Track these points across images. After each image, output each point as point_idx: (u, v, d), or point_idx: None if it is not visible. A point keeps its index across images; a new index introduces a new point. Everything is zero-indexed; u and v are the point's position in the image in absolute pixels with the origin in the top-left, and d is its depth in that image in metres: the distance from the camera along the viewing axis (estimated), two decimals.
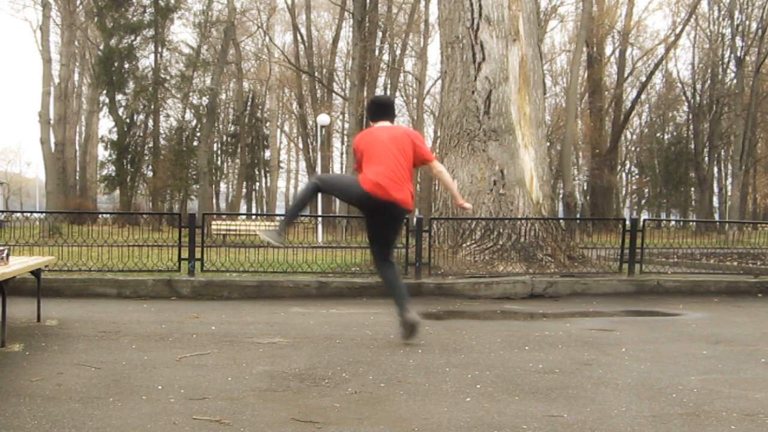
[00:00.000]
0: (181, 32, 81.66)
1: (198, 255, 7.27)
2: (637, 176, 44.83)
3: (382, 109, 4.85)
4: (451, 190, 5.06)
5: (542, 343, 4.57)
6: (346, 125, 31.80)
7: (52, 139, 28.16)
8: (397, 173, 4.48)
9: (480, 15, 8.91)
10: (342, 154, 38.88)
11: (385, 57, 34.53)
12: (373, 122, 4.81)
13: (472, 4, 8.94)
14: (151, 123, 32.82)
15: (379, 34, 32.44)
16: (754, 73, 30.38)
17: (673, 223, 28.70)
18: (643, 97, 37.51)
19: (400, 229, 4.97)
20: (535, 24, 9.83)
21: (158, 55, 31.93)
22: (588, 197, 36.82)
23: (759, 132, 37.26)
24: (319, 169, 29.66)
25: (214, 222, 18.49)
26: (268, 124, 41.25)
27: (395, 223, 4.72)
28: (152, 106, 31.73)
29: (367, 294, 6.96)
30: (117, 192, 32.86)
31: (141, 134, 32.82)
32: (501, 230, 8.60)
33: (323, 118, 24.92)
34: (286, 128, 46.46)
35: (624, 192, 45.27)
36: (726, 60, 33.94)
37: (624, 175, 44.53)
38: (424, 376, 3.59)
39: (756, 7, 30.93)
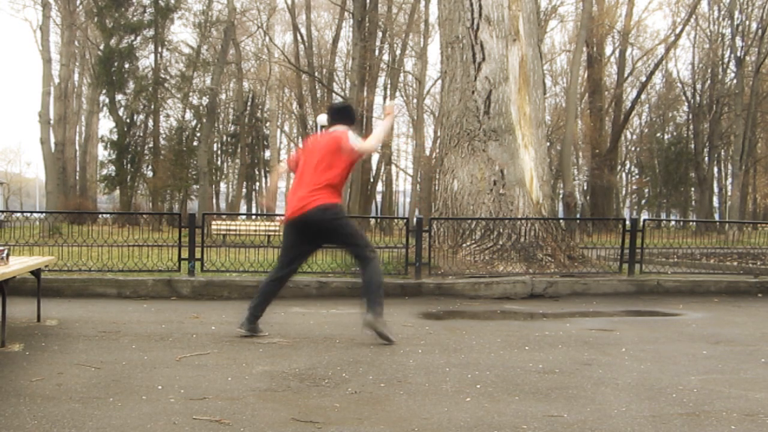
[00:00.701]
0: (181, 32, 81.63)
1: (198, 255, 7.27)
2: (637, 176, 44.83)
3: (332, 115, 4.83)
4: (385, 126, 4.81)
5: (542, 343, 4.57)
6: None
7: (52, 139, 28.13)
8: (301, 186, 4.54)
9: (480, 15, 8.91)
10: None
11: (385, 57, 34.54)
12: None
13: (472, 4, 8.94)
14: (151, 123, 32.82)
15: (379, 34, 32.43)
16: (754, 73, 30.38)
17: (673, 223, 28.70)
18: (643, 97, 37.51)
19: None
20: (535, 24, 9.83)
21: (158, 55, 31.93)
22: (588, 197, 36.81)
23: (759, 132, 37.27)
24: None
25: (214, 222, 18.50)
26: (268, 124, 41.20)
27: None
28: (152, 106, 31.72)
29: None
30: (117, 192, 32.85)
31: (141, 134, 32.82)
32: (501, 230, 8.60)
33: (323, 118, 24.87)
34: (286, 128, 46.46)
35: (624, 192, 45.27)
36: (726, 60, 33.95)
37: (624, 175, 44.54)
38: (424, 376, 3.59)
39: (756, 7, 30.94)
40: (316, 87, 35.58)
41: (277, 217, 24.92)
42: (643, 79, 35.84)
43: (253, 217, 27.25)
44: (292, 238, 4.63)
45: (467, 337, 4.75)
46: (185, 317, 5.44)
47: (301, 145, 5.45)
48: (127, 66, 30.68)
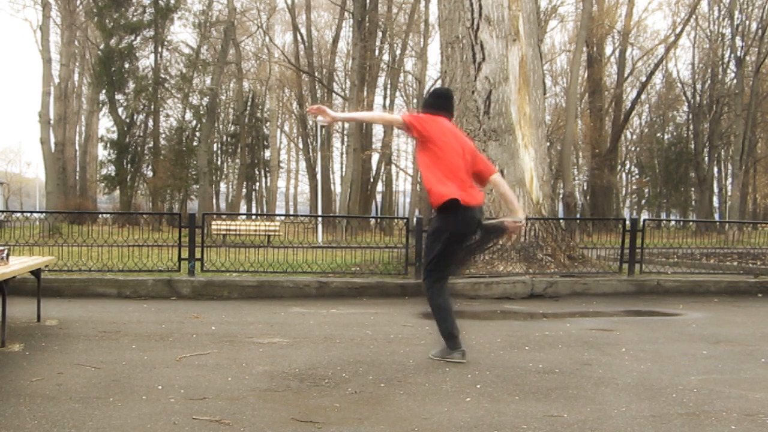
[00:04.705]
0: (181, 32, 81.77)
1: (198, 255, 7.27)
2: (637, 176, 44.79)
3: (443, 102, 4.20)
4: (511, 203, 4.27)
5: (542, 343, 4.57)
6: (346, 125, 31.78)
7: (52, 139, 28.12)
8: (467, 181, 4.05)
9: (480, 15, 8.91)
10: (342, 154, 38.90)
11: (385, 57, 34.52)
12: (433, 114, 4.09)
13: (472, 4, 8.94)
14: (151, 123, 32.80)
15: (379, 34, 32.41)
16: (754, 73, 30.38)
17: (673, 223, 28.69)
18: (643, 97, 37.50)
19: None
20: (535, 24, 9.82)
21: (158, 55, 31.91)
22: (588, 197, 36.80)
23: (759, 132, 37.24)
24: (319, 170, 29.60)
25: (214, 222, 18.49)
26: (268, 124, 41.24)
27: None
28: (152, 106, 31.70)
29: (367, 294, 6.96)
30: (117, 192, 32.82)
31: (141, 134, 32.80)
32: None
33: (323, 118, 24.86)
34: (286, 128, 46.49)
35: (624, 192, 45.24)
36: (726, 60, 33.94)
37: (624, 175, 44.50)
38: (424, 376, 3.59)
39: (756, 7, 30.93)
40: (316, 87, 35.58)
41: (277, 217, 24.91)
42: (643, 79, 35.85)
43: (253, 217, 27.25)
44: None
45: (467, 337, 4.74)
46: (185, 317, 5.44)
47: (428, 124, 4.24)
48: (127, 66, 30.67)
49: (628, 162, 44.48)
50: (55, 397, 3.04)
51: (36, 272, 4.91)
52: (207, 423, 2.72)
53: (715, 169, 39.37)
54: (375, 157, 34.81)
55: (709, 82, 35.77)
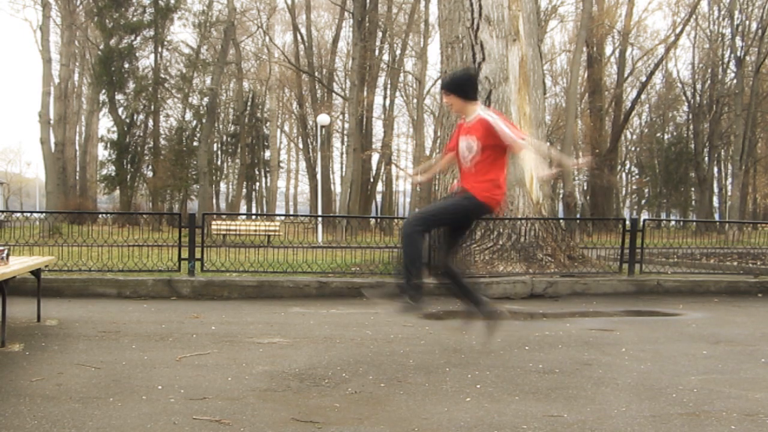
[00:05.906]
0: (181, 32, 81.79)
1: (198, 255, 7.27)
2: (637, 176, 44.80)
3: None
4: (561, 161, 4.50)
5: (542, 343, 4.57)
6: (346, 125, 31.78)
7: (52, 139, 28.11)
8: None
9: (480, 15, 8.91)
10: (342, 154, 38.91)
11: (385, 57, 34.53)
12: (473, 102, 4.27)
13: (472, 4, 8.94)
14: (151, 123, 32.82)
15: (379, 34, 32.42)
16: (754, 73, 30.38)
17: (673, 223, 28.68)
18: (643, 97, 37.52)
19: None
20: (535, 24, 9.83)
21: (158, 55, 31.93)
22: (588, 197, 36.81)
23: (759, 132, 37.26)
24: (319, 170, 29.60)
25: (214, 222, 18.48)
26: (268, 124, 41.24)
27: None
28: (152, 106, 31.72)
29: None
30: (117, 192, 32.83)
31: (141, 134, 32.81)
32: (501, 230, 8.60)
33: (323, 118, 24.91)
34: (286, 128, 46.50)
35: (624, 192, 45.24)
36: (726, 60, 33.94)
37: (624, 175, 44.52)
38: (424, 376, 3.59)
39: (756, 7, 30.94)
40: (316, 87, 35.59)
41: (277, 218, 24.91)
42: (643, 79, 35.86)
43: (253, 217, 27.24)
44: None
45: (467, 337, 4.75)
46: (185, 317, 5.44)
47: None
48: (127, 66, 30.69)
49: (628, 162, 44.51)
50: (55, 397, 3.04)
51: (36, 272, 4.91)
52: (207, 423, 2.73)
53: (715, 169, 39.39)
54: (375, 157, 34.83)
55: (709, 82, 35.79)
